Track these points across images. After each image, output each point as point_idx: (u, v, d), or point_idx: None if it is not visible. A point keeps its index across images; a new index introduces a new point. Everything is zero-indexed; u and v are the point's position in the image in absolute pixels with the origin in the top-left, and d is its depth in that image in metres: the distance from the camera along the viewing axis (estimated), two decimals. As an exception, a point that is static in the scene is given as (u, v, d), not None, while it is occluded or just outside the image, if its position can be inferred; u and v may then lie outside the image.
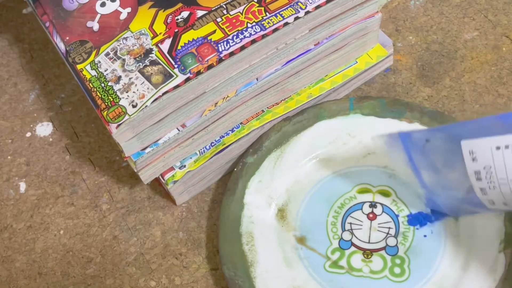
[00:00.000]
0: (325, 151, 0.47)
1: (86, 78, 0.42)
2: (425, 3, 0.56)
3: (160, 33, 0.43)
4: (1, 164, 0.52)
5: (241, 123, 0.47)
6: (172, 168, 0.45)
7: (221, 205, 0.45)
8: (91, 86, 0.42)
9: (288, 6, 0.43)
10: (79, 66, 0.43)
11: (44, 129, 0.54)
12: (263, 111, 0.47)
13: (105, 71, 0.42)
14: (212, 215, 0.47)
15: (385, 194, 0.44)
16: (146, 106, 0.40)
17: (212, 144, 0.46)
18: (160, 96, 0.40)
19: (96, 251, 0.47)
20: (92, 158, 0.51)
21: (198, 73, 0.41)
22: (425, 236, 0.42)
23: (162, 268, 0.45)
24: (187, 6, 0.44)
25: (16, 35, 0.61)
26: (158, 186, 0.49)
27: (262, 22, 0.42)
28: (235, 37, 0.42)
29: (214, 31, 0.42)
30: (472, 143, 0.36)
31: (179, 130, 0.43)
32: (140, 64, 0.42)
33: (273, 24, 0.42)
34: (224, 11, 0.43)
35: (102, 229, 0.47)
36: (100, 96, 0.41)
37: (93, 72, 0.42)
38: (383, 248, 0.42)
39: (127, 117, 0.40)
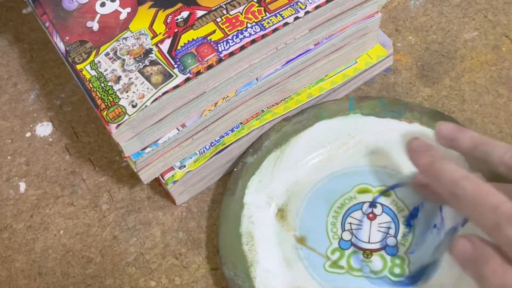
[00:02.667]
0: (325, 151, 0.47)
1: (86, 78, 0.42)
2: (425, 3, 0.56)
3: (160, 33, 0.43)
4: (1, 164, 0.52)
5: (241, 123, 0.47)
6: (172, 168, 0.45)
7: (221, 205, 0.45)
8: (91, 86, 0.42)
9: (288, 6, 0.43)
10: (79, 66, 0.43)
11: (44, 129, 0.54)
12: (263, 111, 0.47)
13: (105, 71, 0.42)
14: (212, 215, 0.47)
15: (385, 194, 0.44)
16: (146, 106, 0.40)
17: (212, 144, 0.46)
18: (160, 96, 0.40)
19: (96, 251, 0.47)
20: (92, 158, 0.51)
21: (198, 73, 0.41)
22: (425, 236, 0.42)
23: (162, 268, 0.45)
24: (187, 6, 0.44)
25: (16, 35, 0.61)
26: (158, 186, 0.49)
27: (262, 22, 0.42)
28: (235, 37, 0.42)
29: (214, 31, 0.42)
30: None
31: (179, 130, 0.43)
32: (140, 64, 0.42)
33: (273, 24, 0.42)
34: (224, 11, 0.43)
35: (102, 229, 0.47)
36: (100, 96, 0.41)
37: (93, 72, 0.42)
38: (383, 248, 0.42)
39: (127, 117, 0.40)
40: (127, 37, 0.44)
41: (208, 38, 0.42)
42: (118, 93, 0.41)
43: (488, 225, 0.32)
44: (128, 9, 0.45)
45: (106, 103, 0.41)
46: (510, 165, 0.36)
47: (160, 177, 0.45)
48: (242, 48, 0.41)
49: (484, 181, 0.34)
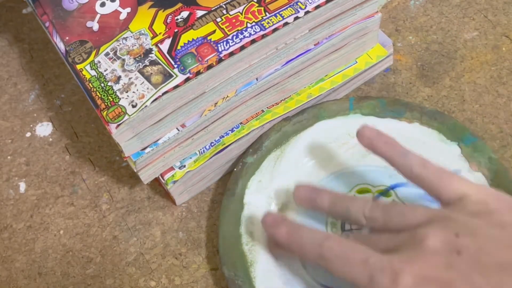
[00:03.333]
0: (325, 151, 0.47)
1: (86, 78, 0.42)
2: (425, 3, 0.56)
3: (159, 33, 0.43)
4: (1, 164, 0.52)
5: (241, 123, 0.47)
6: (172, 168, 0.45)
7: (221, 205, 0.45)
8: (91, 86, 0.42)
9: (288, 6, 0.43)
10: (78, 66, 0.43)
11: (44, 129, 0.54)
12: (263, 111, 0.47)
13: (105, 71, 0.42)
14: (212, 215, 0.47)
15: (385, 194, 0.44)
16: (146, 106, 0.40)
17: (212, 144, 0.46)
18: (160, 96, 0.40)
19: (96, 251, 0.47)
20: (92, 158, 0.51)
21: (198, 73, 0.41)
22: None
23: (162, 268, 0.45)
24: (186, 6, 0.44)
25: (16, 35, 0.61)
26: (158, 186, 0.49)
27: (262, 22, 0.42)
28: (234, 37, 0.42)
29: (214, 31, 0.42)
30: None
31: (179, 130, 0.43)
32: (140, 64, 0.42)
33: (273, 24, 0.42)
34: (224, 11, 0.43)
35: (102, 229, 0.47)
36: (99, 96, 0.41)
37: (93, 72, 0.42)
38: (383, 248, 0.42)
39: (127, 117, 0.40)
40: (127, 37, 0.44)
41: (208, 38, 0.42)
42: (118, 93, 0.41)
43: (363, 280, 0.33)
44: (128, 9, 0.45)
45: (106, 103, 0.41)
46: (370, 217, 0.37)
47: (160, 177, 0.45)
48: (242, 48, 0.41)
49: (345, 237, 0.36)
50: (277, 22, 0.42)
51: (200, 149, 0.46)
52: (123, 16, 0.45)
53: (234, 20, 0.43)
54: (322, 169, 0.46)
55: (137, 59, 0.42)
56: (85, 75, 0.42)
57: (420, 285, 0.31)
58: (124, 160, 0.43)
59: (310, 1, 0.43)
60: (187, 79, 0.40)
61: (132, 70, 0.42)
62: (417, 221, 0.34)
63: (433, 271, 0.31)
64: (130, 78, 0.41)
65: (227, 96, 0.44)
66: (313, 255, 0.35)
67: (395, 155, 0.38)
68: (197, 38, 0.42)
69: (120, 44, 0.43)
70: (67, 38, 0.45)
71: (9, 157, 0.53)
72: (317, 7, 0.43)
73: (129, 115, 0.40)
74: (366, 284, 0.32)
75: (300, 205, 0.41)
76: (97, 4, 0.46)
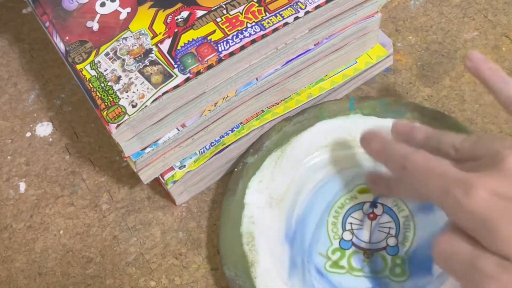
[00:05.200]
0: (326, 151, 0.47)
1: (86, 78, 0.42)
2: (425, 3, 0.56)
3: (160, 33, 0.43)
4: (1, 164, 0.52)
5: (241, 123, 0.47)
6: (172, 168, 0.45)
7: (222, 205, 0.45)
8: (91, 86, 0.42)
9: (288, 6, 0.43)
10: (78, 66, 0.43)
11: (44, 129, 0.54)
12: (263, 111, 0.47)
13: (105, 71, 0.42)
14: (212, 215, 0.47)
15: (385, 194, 0.44)
16: (146, 106, 0.40)
17: (212, 144, 0.46)
18: (160, 96, 0.40)
19: (96, 251, 0.47)
20: (92, 158, 0.51)
21: (198, 73, 0.41)
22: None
23: (162, 268, 0.45)
24: (187, 6, 0.44)
25: (16, 35, 0.61)
26: (158, 186, 0.49)
27: (262, 22, 0.42)
28: (234, 37, 0.42)
29: (214, 31, 0.42)
30: None
31: (179, 130, 0.43)
32: (140, 64, 0.42)
33: (273, 24, 0.42)
34: (224, 11, 0.43)
35: (102, 229, 0.47)
36: (100, 96, 0.41)
37: (93, 72, 0.42)
38: (384, 248, 0.42)
39: (127, 117, 0.40)
40: (127, 37, 0.44)
41: (208, 38, 0.42)
42: (118, 93, 0.41)
43: (439, 191, 0.33)
44: (128, 9, 0.45)
45: (106, 103, 0.41)
46: (460, 147, 0.37)
47: (160, 177, 0.45)
48: (242, 48, 0.41)
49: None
50: (277, 22, 0.42)
51: (200, 149, 0.46)
52: (123, 16, 0.45)
53: (234, 20, 0.43)
54: (323, 169, 0.46)
55: (137, 59, 0.42)
56: (85, 75, 0.42)
57: (492, 201, 0.31)
58: (124, 160, 0.43)
59: (310, 1, 0.43)
60: (187, 79, 0.40)
61: (132, 70, 0.42)
62: (502, 148, 0.35)
63: (507, 189, 0.31)
64: (130, 78, 0.41)
65: (227, 96, 0.44)
66: (398, 166, 0.36)
67: (496, 81, 0.40)
68: (197, 38, 0.42)
69: (120, 44, 0.43)
70: (67, 38, 0.45)
71: (9, 157, 0.53)
72: (317, 7, 0.43)
73: (129, 115, 0.40)
74: (441, 195, 0.33)
75: (396, 137, 0.41)
76: (97, 4, 0.46)
